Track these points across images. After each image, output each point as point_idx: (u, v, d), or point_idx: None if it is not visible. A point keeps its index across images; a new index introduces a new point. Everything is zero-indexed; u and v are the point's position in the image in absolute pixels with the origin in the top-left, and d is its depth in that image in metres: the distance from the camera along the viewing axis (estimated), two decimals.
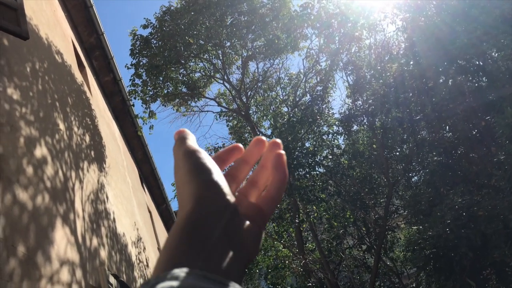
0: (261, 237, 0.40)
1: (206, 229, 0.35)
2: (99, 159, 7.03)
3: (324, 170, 9.72)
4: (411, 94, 7.13)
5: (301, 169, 9.01)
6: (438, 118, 6.46)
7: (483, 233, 4.97)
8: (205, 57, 9.30)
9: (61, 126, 5.48)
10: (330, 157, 9.70)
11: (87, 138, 6.70)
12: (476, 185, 5.92)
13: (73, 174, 5.35)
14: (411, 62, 7.08)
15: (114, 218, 6.70)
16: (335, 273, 9.65)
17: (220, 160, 0.45)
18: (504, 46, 5.57)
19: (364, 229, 10.48)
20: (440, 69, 6.30)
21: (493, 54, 6.37)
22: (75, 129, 6.17)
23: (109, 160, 7.65)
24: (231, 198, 0.38)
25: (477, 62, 6.52)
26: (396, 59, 7.51)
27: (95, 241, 5.36)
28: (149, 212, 10.89)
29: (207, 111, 10.39)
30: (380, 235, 8.96)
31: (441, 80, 6.43)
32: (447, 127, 6.87)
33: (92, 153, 6.73)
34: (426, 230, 5.53)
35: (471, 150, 6.46)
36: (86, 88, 7.51)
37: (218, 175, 0.39)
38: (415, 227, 6.58)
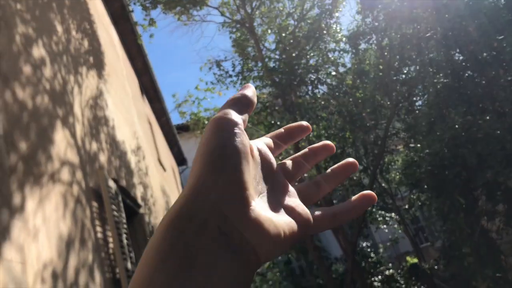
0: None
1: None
2: (98, 66, 6.90)
3: (327, 89, 9.59)
4: (423, 11, 6.78)
5: (303, 86, 8.89)
6: (449, 37, 6.21)
7: (479, 153, 5.01)
8: None
9: (59, 28, 5.30)
10: (334, 74, 9.52)
11: (86, 43, 6.53)
12: (480, 108, 5.86)
13: (72, 78, 5.27)
14: None
15: (113, 125, 6.73)
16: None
17: (278, 141, 0.43)
18: None
19: (362, 150, 10.60)
20: None
21: None
22: (73, 33, 5.98)
23: (108, 67, 7.51)
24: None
25: None
26: None
27: (94, 146, 5.42)
28: (149, 123, 10.95)
29: (210, 21, 10.00)
30: (377, 156, 9.08)
31: None
32: (458, 48, 6.64)
33: (91, 59, 6.58)
34: (424, 148, 5.58)
35: (479, 73, 6.31)
36: None
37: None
38: (412, 145, 6.62)
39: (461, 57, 6.85)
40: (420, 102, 9.74)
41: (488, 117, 5.54)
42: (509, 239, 5.96)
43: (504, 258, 5.90)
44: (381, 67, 9.05)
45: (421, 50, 7.28)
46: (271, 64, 9.10)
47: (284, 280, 11.54)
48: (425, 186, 5.59)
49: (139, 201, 7.03)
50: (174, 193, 12.08)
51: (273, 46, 9.51)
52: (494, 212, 5.73)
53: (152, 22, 8.34)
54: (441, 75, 6.82)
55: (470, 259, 5.57)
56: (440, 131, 5.19)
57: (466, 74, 6.55)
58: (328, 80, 9.40)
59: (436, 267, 9.55)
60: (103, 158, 5.70)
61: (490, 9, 5.84)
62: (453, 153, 5.13)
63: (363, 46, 9.55)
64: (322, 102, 9.30)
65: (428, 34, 6.84)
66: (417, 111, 8.94)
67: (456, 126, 5.12)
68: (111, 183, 5.41)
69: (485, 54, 6.20)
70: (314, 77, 8.61)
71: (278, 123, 9.17)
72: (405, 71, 9.20)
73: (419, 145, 5.87)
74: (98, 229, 4.67)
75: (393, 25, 7.28)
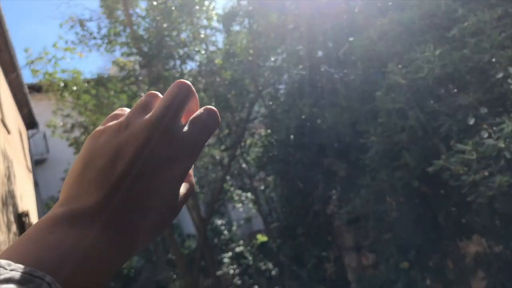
0: None
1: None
2: None
3: (196, 66, 9.49)
4: (290, 2, 7.09)
5: (171, 60, 8.66)
6: (311, 32, 6.61)
7: (320, 144, 5.47)
8: None
9: None
10: (204, 52, 9.44)
11: None
12: (329, 102, 6.35)
13: None
14: None
15: None
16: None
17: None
18: None
19: (226, 130, 10.78)
20: None
21: None
22: None
23: None
24: None
25: None
26: None
27: None
28: None
29: None
30: (238, 137, 9.33)
31: None
32: (317, 43, 7.09)
33: None
34: (273, 135, 5.89)
35: (334, 69, 6.83)
36: None
37: None
38: (264, 130, 6.97)
39: (320, 53, 7.32)
40: (284, 91, 10.22)
41: (336, 109, 6.04)
42: (341, 223, 6.70)
43: (331, 238, 6.62)
44: (251, 51, 9.24)
45: (286, 41, 7.61)
46: (140, 32, 8.65)
47: (135, 256, 11.30)
48: (271, 169, 5.95)
49: None
50: (19, 158, 10.87)
51: (144, 13, 9.04)
52: (329, 197, 6.38)
53: None
54: (301, 67, 7.23)
55: (301, 238, 6.13)
56: (288, 120, 5.54)
57: (322, 69, 7.05)
58: (197, 57, 9.30)
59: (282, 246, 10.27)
60: None
61: (347, 12, 6.34)
62: (298, 141, 5.52)
63: (236, 28, 9.63)
64: (190, 79, 9.17)
65: (291, 26, 7.18)
66: (280, 99, 9.37)
67: (303, 116, 5.52)
68: None
69: (340, 53, 6.72)
70: (183, 52, 8.43)
71: (142, 94, 8.81)
72: (273, 59, 9.54)
73: (269, 131, 6.21)
74: None
75: (261, 12, 7.46)
